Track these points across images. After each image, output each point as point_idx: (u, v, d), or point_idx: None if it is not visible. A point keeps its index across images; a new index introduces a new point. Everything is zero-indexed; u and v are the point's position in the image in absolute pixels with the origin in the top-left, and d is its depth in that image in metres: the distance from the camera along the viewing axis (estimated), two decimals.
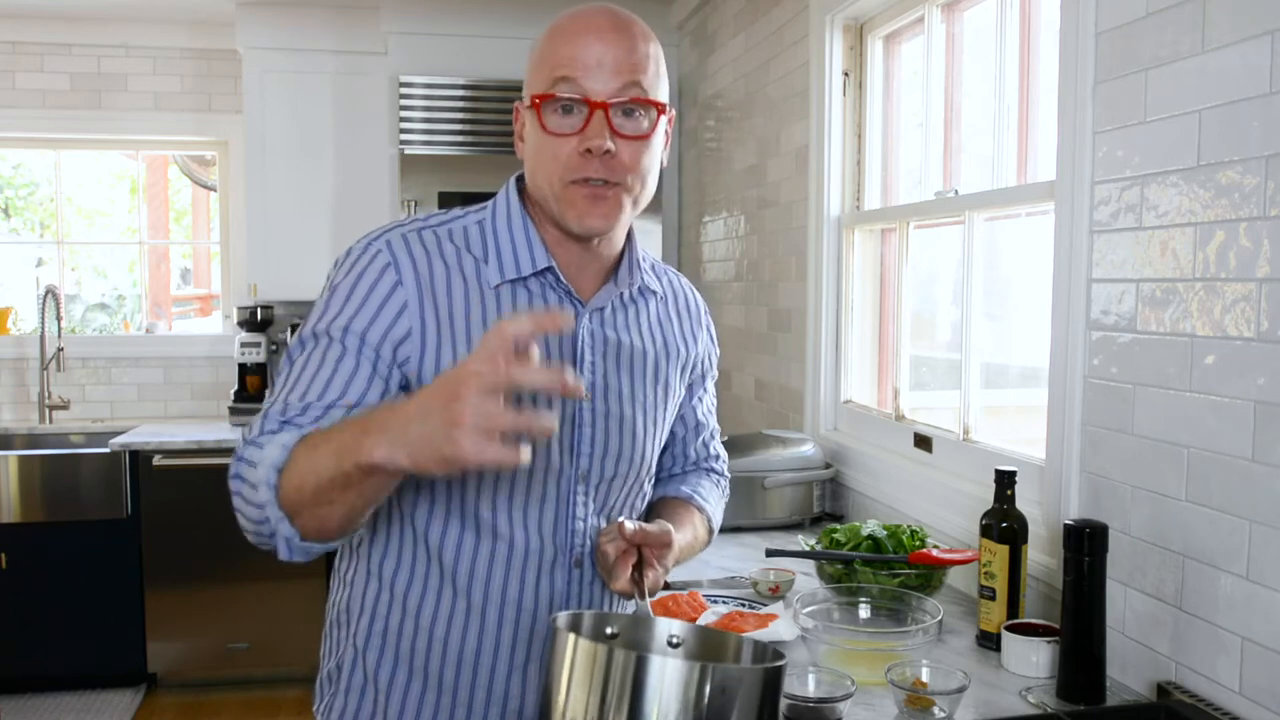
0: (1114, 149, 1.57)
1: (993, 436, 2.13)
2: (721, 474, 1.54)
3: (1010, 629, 1.59)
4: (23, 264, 4.86)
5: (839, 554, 1.89)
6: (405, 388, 1.18)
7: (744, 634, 1.15)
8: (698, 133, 3.95)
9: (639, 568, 1.20)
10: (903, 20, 2.51)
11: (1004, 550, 1.64)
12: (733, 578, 2.04)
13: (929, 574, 1.84)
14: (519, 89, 1.25)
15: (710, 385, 1.49)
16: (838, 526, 2.02)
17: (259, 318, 4.38)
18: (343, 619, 1.30)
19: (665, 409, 1.34)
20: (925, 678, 1.40)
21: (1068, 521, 1.47)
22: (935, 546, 1.90)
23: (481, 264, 1.22)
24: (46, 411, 4.41)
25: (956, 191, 2.26)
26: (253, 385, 4.37)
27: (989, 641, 1.66)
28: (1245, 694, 1.33)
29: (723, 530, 1.71)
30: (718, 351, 1.49)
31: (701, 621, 1.68)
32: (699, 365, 1.42)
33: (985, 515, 1.68)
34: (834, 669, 1.43)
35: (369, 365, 1.15)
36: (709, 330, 1.45)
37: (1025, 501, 1.74)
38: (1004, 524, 1.64)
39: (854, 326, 2.72)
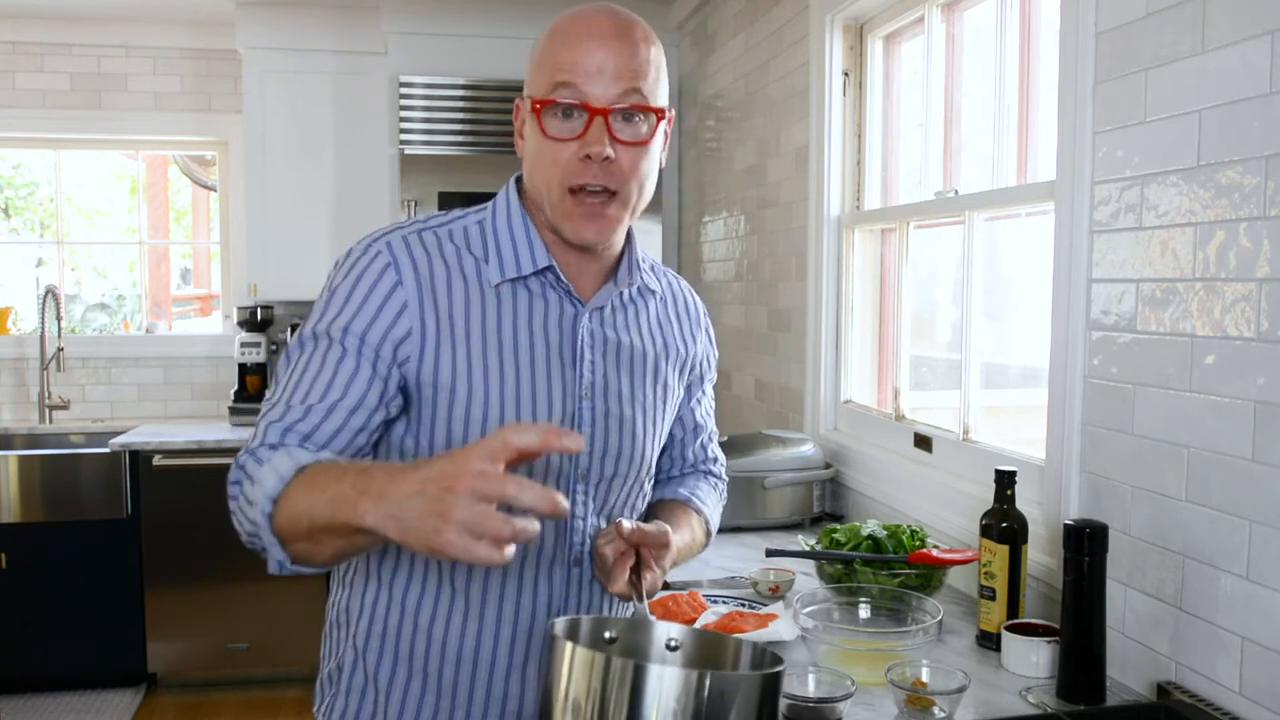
0: (1114, 149, 1.57)
1: (993, 436, 2.13)
2: (720, 476, 1.54)
3: (1010, 629, 1.59)
4: (23, 264, 4.86)
5: (839, 554, 1.89)
6: (404, 388, 1.18)
7: (743, 637, 1.15)
8: (698, 133, 3.95)
9: (637, 569, 1.20)
10: (903, 20, 2.51)
11: (1004, 550, 1.64)
12: (733, 578, 2.04)
13: (929, 574, 1.84)
14: (519, 89, 1.25)
15: (709, 388, 1.49)
16: (838, 526, 2.02)
17: (259, 318, 4.38)
18: (342, 619, 1.30)
19: (664, 409, 1.35)
20: (925, 678, 1.40)
21: (1068, 521, 1.47)
22: (935, 546, 1.90)
23: (482, 264, 1.22)
24: (46, 411, 4.41)
25: (956, 191, 2.26)
26: (253, 385, 4.37)
27: (989, 641, 1.66)
28: (1245, 694, 1.33)
29: (723, 530, 1.71)
30: (716, 354, 1.49)
31: (701, 622, 1.68)
32: (697, 366, 1.42)
33: (985, 515, 1.68)
34: (834, 669, 1.43)
35: (369, 366, 1.15)
36: (708, 332, 1.45)
37: (1025, 501, 1.74)
38: (1004, 524, 1.64)
39: (854, 326, 2.72)
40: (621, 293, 1.30)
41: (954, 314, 2.33)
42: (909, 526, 1.97)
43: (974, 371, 2.17)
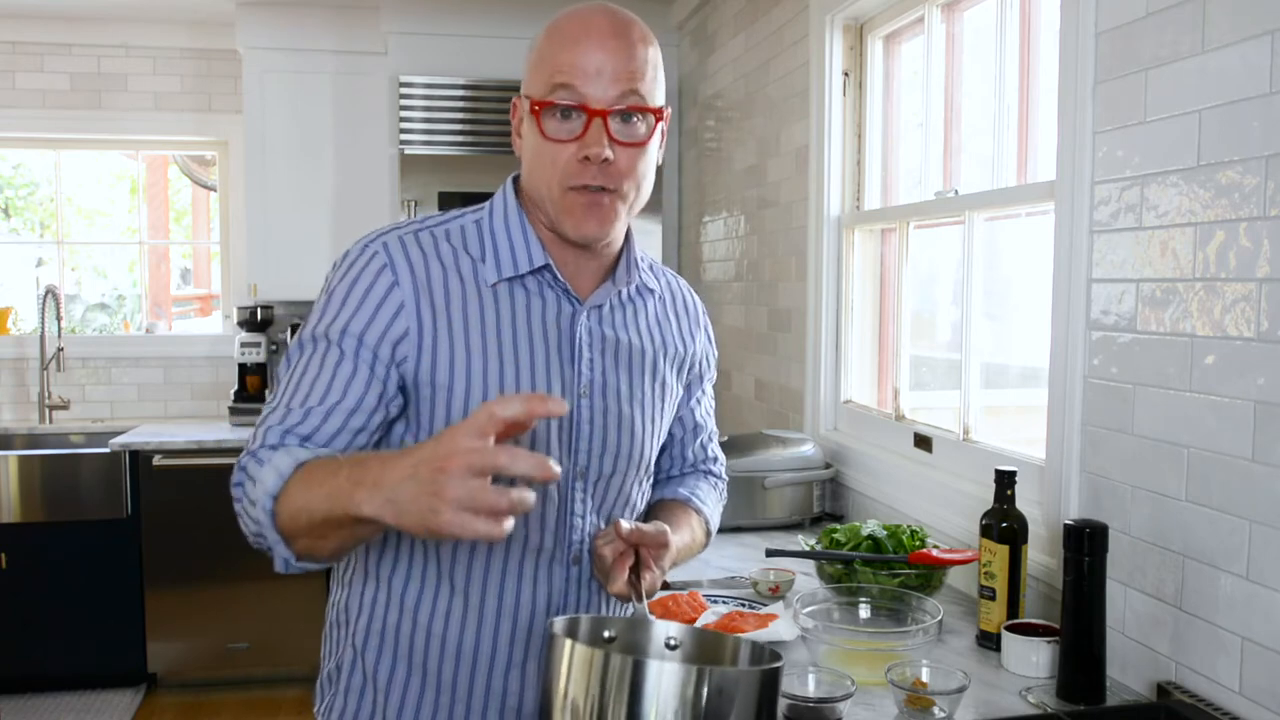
0: (1114, 149, 1.57)
1: (993, 436, 2.13)
2: (720, 476, 1.54)
3: (1010, 629, 1.59)
4: (23, 264, 4.86)
5: (839, 554, 1.89)
6: (403, 388, 1.19)
7: (742, 635, 1.15)
8: (698, 133, 3.95)
9: (636, 569, 1.20)
10: (903, 20, 2.51)
11: (1004, 550, 1.64)
12: (733, 578, 2.04)
13: (929, 574, 1.84)
14: (519, 89, 1.25)
15: (708, 387, 1.49)
16: (838, 526, 2.02)
17: (259, 318, 4.38)
18: (342, 619, 1.30)
19: (663, 406, 1.35)
20: (925, 678, 1.40)
21: (1068, 521, 1.47)
22: (935, 546, 1.90)
23: (479, 263, 1.23)
24: (46, 411, 4.41)
25: (956, 191, 2.26)
26: (253, 385, 4.37)
27: (989, 641, 1.66)
28: (1245, 694, 1.33)
29: (723, 530, 1.71)
30: (715, 354, 1.49)
31: (701, 622, 1.68)
32: (696, 365, 1.42)
33: (985, 515, 1.68)
34: (834, 669, 1.43)
35: (366, 367, 1.16)
36: (707, 331, 1.45)
37: (1025, 501, 1.74)
38: (1004, 524, 1.64)
39: (854, 326, 2.72)
40: (620, 291, 1.30)
41: (954, 314, 2.33)
42: (909, 526, 1.98)
43: (974, 371, 2.17)
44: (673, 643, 1.11)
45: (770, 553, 2.00)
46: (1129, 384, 1.55)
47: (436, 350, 1.18)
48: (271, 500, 1.04)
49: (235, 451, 1.11)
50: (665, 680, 0.92)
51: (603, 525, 1.29)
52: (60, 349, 4.37)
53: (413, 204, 3.93)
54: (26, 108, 4.44)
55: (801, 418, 2.89)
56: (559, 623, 1.04)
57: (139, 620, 3.92)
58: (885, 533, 1.94)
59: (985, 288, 2.17)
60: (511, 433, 0.91)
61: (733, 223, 3.55)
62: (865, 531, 1.94)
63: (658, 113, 1.19)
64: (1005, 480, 1.67)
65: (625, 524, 1.19)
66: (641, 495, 1.36)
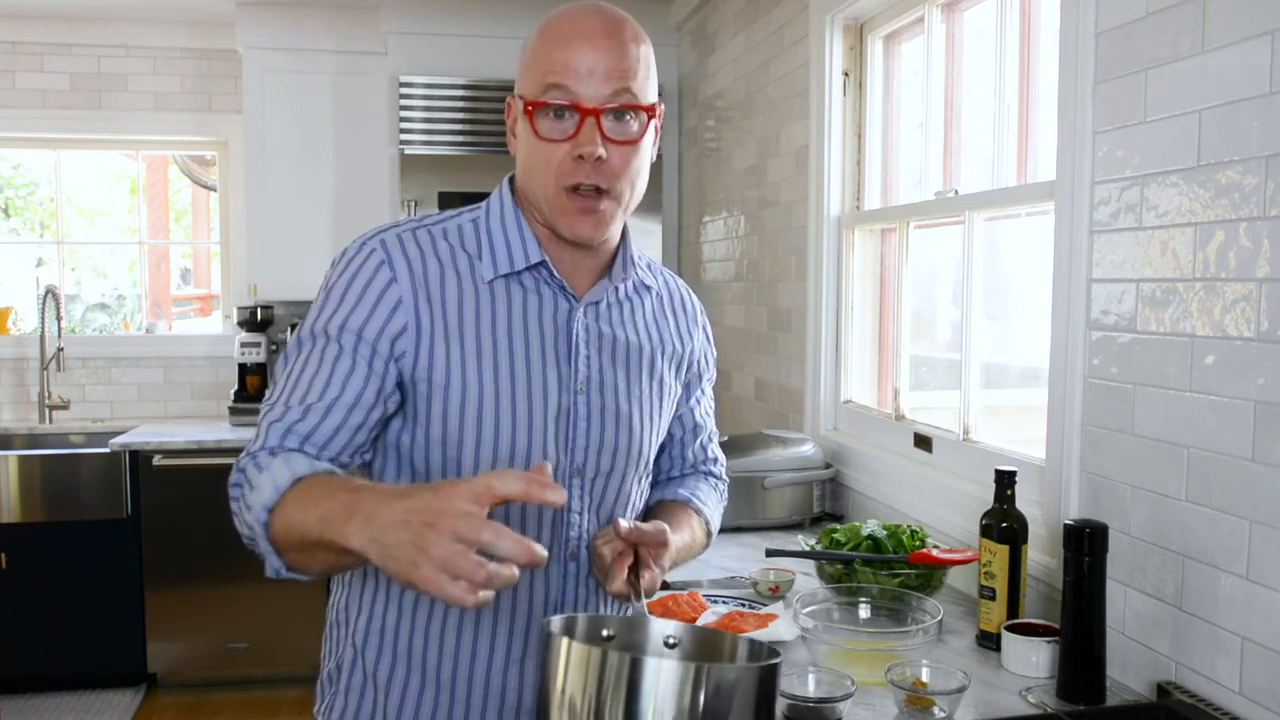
0: (1114, 149, 1.57)
1: (993, 436, 2.13)
2: (720, 477, 1.54)
3: (1010, 629, 1.59)
4: (23, 264, 4.86)
5: (839, 554, 1.89)
6: (400, 385, 1.19)
7: (740, 633, 1.15)
8: (698, 133, 3.95)
9: (635, 569, 1.20)
10: (903, 20, 2.51)
11: (1004, 550, 1.64)
12: (733, 578, 2.04)
13: (929, 574, 1.84)
14: None
15: (707, 387, 1.49)
16: (838, 526, 2.02)
17: (259, 318, 4.38)
18: (342, 619, 1.31)
19: (661, 404, 1.35)
20: (925, 678, 1.40)
21: (1068, 521, 1.47)
22: (935, 546, 1.90)
23: (475, 260, 1.23)
24: (46, 411, 4.41)
25: (956, 191, 2.26)
26: (253, 385, 4.37)
27: (989, 641, 1.66)
28: (1245, 694, 1.33)
29: (723, 530, 1.71)
30: (714, 353, 1.49)
31: (701, 622, 1.68)
32: (695, 364, 1.43)
33: (985, 515, 1.68)
34: (834, 669, 1.43)
35: (365, 363, 1.16)
36: (705, 330, 1.45)
37: (1025, 501, 1.74)
38: (1004, 524, 1.64)
39: (854, 326, 2.72)
40: (617, 289, 1.30)
41: (954, 314, 2.33)
42: (909, 526, 1.97)
43: (974, 371, 2.17)
44: (671, 641, 1.11)
45: (770, 553, 2.00)
46: (1129, 384, 1.55)
47: (434, 347, 1.18)
48: (266, 513, 1.04)
49: (235, 451, 1.11)
50: (663, 678, 0.92)
51: (600, 523, 1.29)
52: (60, 349, 4.37)
53: (413, 204, 3.93)
54: (26, 108, 4.44)
55: (801, 418, 2.89)
56: (556, 621, 1.04)
57: (139, 620, 3.92)
58: (885, 533, 1.94)
59: (985, 288, 2.17)
60: (504, 502, 0.90)
61: (733, 223, 3.55)
62: (865, 531, 1.94)
63: (650, 110, 1.20)
64: (1005, 480, 1.67)
65: (624, 523, 1.19)
66: (640, 494, 1.36)
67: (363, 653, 1.27)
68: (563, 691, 0.94)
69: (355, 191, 4.18)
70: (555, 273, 1.24)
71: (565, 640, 0.96)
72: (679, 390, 1.41)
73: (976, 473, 2.05)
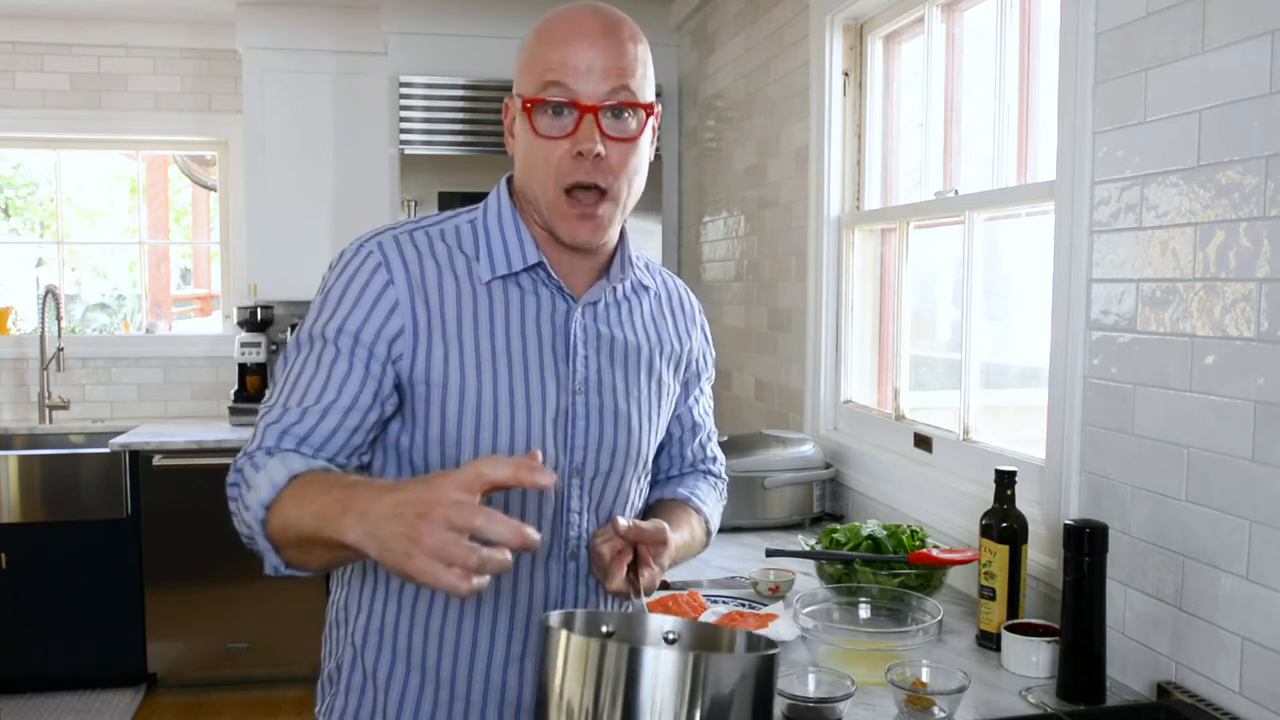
0: (1114, 149, 1.57)
1: (993, 436, 2.13)
2: (719, 476, 1.54)
3: (1010, 629, 1.59)
4: (23, 264, 4.86)
5: (839, 554, 1.89)
6: (398, 386, 1.20)
7: (738, 628, 1.15)
8: (698, 133, 3.95)
9: (634, 567, 1.20)
10: (903, 20, 2.51)
11: (1004, 550, 1.64)
12: (733, 578, 2.04)
13: (929, 574, 1.84)
14: None
15: (706, 386, 1.49)
16: (838, 526, 2.02)
17: (259, 318, 4.38)
18: (341, 618, 1.31)
19: (660, 404, 1.35)
20: (925, 678, 1.40)
21: (1068, 521, 1.47)
22: (935, 546, 1.90)
23: (473, 262, 1.24)
24: (46, 411, 4.41)
25: (956, 191, 2.26)
26: (253, 385, 4.37)
27: (989, 641, 1.66)
28: (1245, 694, 1.33)
29: (723, 530, 1.71)
30: (713, 353, 1.49)
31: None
32: (693, 364, 1.43)
33: (985, 515, 1.68)
34: (834, 669, 1.43)
35: (362, 366, 1.17)
36: (703, 330, 1.45)
37: (1025, 501, 1.74)
38: (1004, 524, 1.64)
39: (854, 326, 2.72)
40: (615, 289, 1.31)
41: (954, 314, 2.33)
42: (909, 526, 1.97)
43: (974, 371, 2.17)
44: (671, 637, 1.10)
45: (770, 553, 2.00)
46: (1129, 384, 1.55)
47: (431, 348, 1.19)
48: (264, 510, 1.05)
49: (235, 451, 1.12)
50: (662, 668, 0.91)
51: (599, 523, 1.29)
52: (60, 349, 4.37)
53: (413, 204, 3.93)
54: (26, 108, 4.44)
55: (801, 418, 2.89)
56: (555, 616, 1.04)
57: (139, 620, 3.92)
58: (885, 533, 1.94)
59: (985, 288, 2.17)
60: (495, 490, 0.91)
61: (733, 223, 3.55)
62: (865, 531, 1.94)
63: (648, 108, 1.20)
64: (1005, 480, 1.67)
65: (623, 521, 1.19)
66: (639, 493, 1.36)
67: (362, 652, 1.27)
68: (562, 684, 0.94)
69: (355, 191, 4.18)
70: (553, 273, 1.24)
71: (564, 633, 0.96)
72: (677, 389, 1.41)
73: (976, 473, 2.05)
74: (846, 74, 2.69)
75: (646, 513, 1.40)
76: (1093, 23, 1.61)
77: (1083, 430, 1.66)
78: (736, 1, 3.44)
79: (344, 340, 1.17)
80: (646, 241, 3.99)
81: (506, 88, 3.97)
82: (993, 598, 1.65)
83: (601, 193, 1.19)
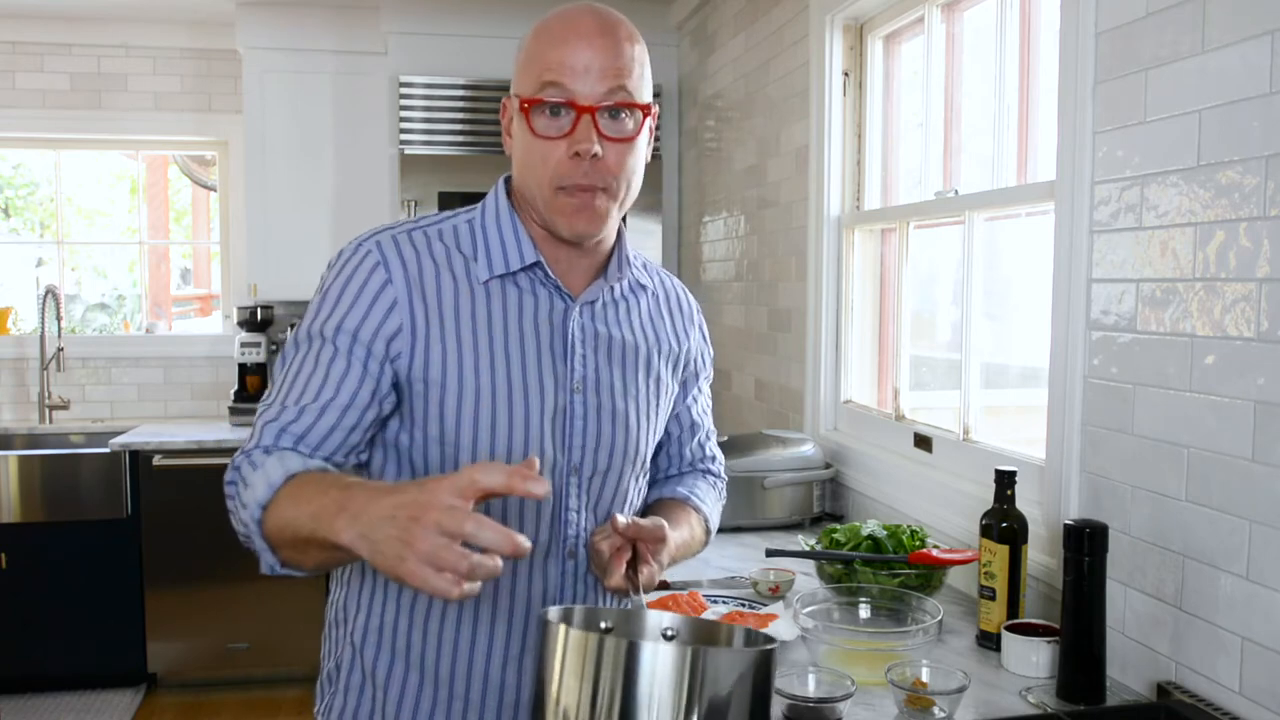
0: (1114, 149, 1.57)
1: (993, 436, 2.13)
2: (718, 475, 1.54)
3: (1010, 629, 1.59)
4: (23, 264, 4.86)
5: (839, 554, 1.89)
6: (396, 385, 1.20)
7: (737, 625, 1.15)
8: (698, 133, 3.95)
9: (633, 564, 1.20)
10: (903, 20, 2.51)
11: (1004, 550, 1.64)
12: (733, 578, 2.04)
13: (929, 574, 1.84)
14: None
15: (705, 386, 1.49)
16: (838, 526, 2.02)
17: (259, 318, 4.38)
18: (341, 617, 1.31)
19: (658, 402, 1.35)
20: (925, 678, 1.40)
21: (1068, 521, 1.47)
22: (935, 546, 1.90)
23: (471, 261, 1.24)
24: (46, 411, 4.41)
25: (956, 191, 2.26)
26: (253, 385, 4.37)
27: (989, 641, 1.66)
28: (1245, 694, 1.33)
29: (723, 530, 1.71)
30: (711, 353, 1.49)
31: None
32: (692, 363, 1.43)
33: (985, 515, 1.68)
34: (834, 669, 1.43)
35: (360, 364, 1.17)
36: (701, 329, 1.45)
37: (1025, 501, 1.74)
38: (1004, 524, 1.64)
39: (854, 326, 2.72)
40: (612, 288, 1.31)
41: (954, 314, 2.33)
42: (909, 526, 1.97)
43: (974, 371, 2.17)
44: (669, 633, 1.10)
45: (770, 553, 2.00)
46: (1129, 384, 1.55)
47: (429, 347, 1.19)
48: (260, 509, 1.06)
49: (235, 452, 1.12)
50: (660, 662, 0.91)
51: (598, 521, 1.29)
52: (60, 349, 4.37)
53: (413, 204, 3.93)
54: (26, 108, 4.44)
55: (801, 418, 2.89)
56: (553, 611, 1.04)
57: (139, 620, 3.92)
58: (885, 533, 1.94)
59: (985, 288, 2.17)
60: (488, 497, 0.91)
61: (733, 223, 3.55)
62: (865, 531, 1.94)
63: (645, 109, 1.20)
64: (1005, 480, 1.67)
65: (622, 518, 1.20)
66: (638, 492, 1.36)
67: (361, 651, 1.27)
68: (559, 679, 0.94)
69: (355, 191, 4.18)
70: (550, 273, 1.25)
71: (563, 627, 0.96)
72: (676, 389, 1.41)
73: (976, 473, 2.05)
74: (846, 74, 2.69)
75: (645, 512, 1.40)
76: (1093, 23, 1.61)
77: (1083, 430, 1.66)
78: (736, 1, 3.44)
79: (342, 338, 1.17)
80: (646, 241, 3.99)
81: (506, 88, 3.95)
82: (993, 598, 1.65)
83: (599, 189, 1.19)
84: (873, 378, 2.72)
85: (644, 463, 1.35)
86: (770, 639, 1.04)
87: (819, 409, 2.78)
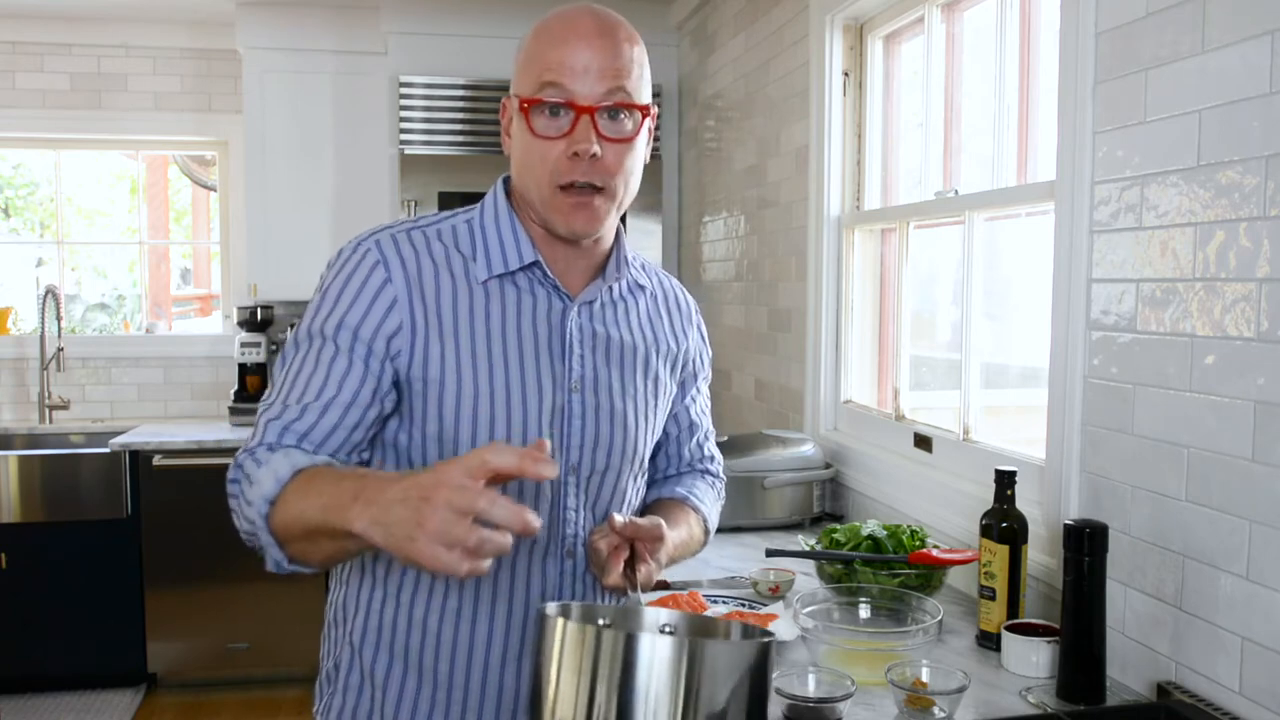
0: (1114, 149, 1.57)
1: (993, 436, 2.13)
2: (717, 475, 1.54)
3: (1010, 629, 1.59)
4: (23, 264, 4.86)
5: (839, 554, 1.89)
6: (396, 384, 1.20)
7: (734, 620, 1.15)
8: (698, 133, 3.95)
9: (631, 563, 1.20)
10: (903, 20, 2.51)
11: (1004, 550, 1.64)
12: (733, 578, 2.04)
13: (929, 574, 1.84)
14: None
15: (703, 386, 1.49)
16: (838, 526, 2.02)
17: (259, 318, 4.38)
18: (340, 617, 1.31)
19: (657, 402, 1.35)
20: (925, 678, 1.40)
21: (1068, 521, 1.47)
22: (935, 546, 1.90)
23: (470, 261, 1.24)
24: (46, 411, 4.41)
25: (956, 191, 2.26)
26: (253, 385, 4.37)
27: (989, 641, 1.66)
28: (1245, 694, 1.33)
29: (722, 530, 1.71)
30: (710, 353, 1.49)
31: None
32: (690, 363, 1.43)
33: (985, 515, 1.68)
34: (834, 669, 1.43)
35: (361, 363, 1.18)
36: (700, 329, 1.46)
37: (1025, 501, 1.74)
38: (1004, 524, 1.64)
39: (854, 326, 2.72)
40: (611, 288, 1.31)
41: (954, 314, 2.33)
42: (909, 526, 1.97)
43: (974, 371, 2.17)
44: (667, 629, 1.10)
45: (770, 553, 2.00)
46: (1129, 384, 1.55)
47: (428, 346, 1.19)
48: (268, 505, 1.06)
49: (235, 451, 1.12)
50: (658, 655, 0.91)
51: (596, 521, 1.29)
52: (60, 349, 4.37)
53: (413, 204, 3.93)
54: (26, 108, 4.44)
55: (801, 418, 2.89)
56: (551, 606, 1.04)
57: (139, 620, 3.92)
58: (885, 533, 1.94)
59: (985, 288, 2.17)
60: (499, 479, 0.92)
61: (733, 223, 3.55)
62: (865, 531, 1.94)
63: (644, 110, 1.21)
64: (1005, 480, 1.67)
65: (620, 517, 1.20)
66: (636, 492, 1.37)
67: (360, 651, 1.27)
68: (557, 672, 0.94)
69: (355, 191, 4.18)
70: (549, 273, 1.25)
71: (560, 621, 0.96)
72: (674, 389, 1.41)
73: (976, 473, 2.05)
74: (846, 74, 2.69)
75: (644, 512, 1.40)
76: (1093, 23, 1.61)
77: (1083, 430, 1.66)
78: (736, 1, 3.44)
79: (343, 337, 1.18)
80: (646, 242, 3.99)
81: (506, 88, 3.94)
82: (993, 598, 1.65)
83: (598, 189, 1.19)
84: (873, 378, 2.73)
85: (642, 462, 1.35)
86: (768, 632, 1.04)
87: (819, 409, 2.78)
